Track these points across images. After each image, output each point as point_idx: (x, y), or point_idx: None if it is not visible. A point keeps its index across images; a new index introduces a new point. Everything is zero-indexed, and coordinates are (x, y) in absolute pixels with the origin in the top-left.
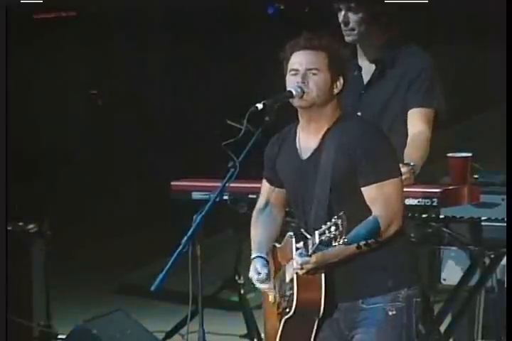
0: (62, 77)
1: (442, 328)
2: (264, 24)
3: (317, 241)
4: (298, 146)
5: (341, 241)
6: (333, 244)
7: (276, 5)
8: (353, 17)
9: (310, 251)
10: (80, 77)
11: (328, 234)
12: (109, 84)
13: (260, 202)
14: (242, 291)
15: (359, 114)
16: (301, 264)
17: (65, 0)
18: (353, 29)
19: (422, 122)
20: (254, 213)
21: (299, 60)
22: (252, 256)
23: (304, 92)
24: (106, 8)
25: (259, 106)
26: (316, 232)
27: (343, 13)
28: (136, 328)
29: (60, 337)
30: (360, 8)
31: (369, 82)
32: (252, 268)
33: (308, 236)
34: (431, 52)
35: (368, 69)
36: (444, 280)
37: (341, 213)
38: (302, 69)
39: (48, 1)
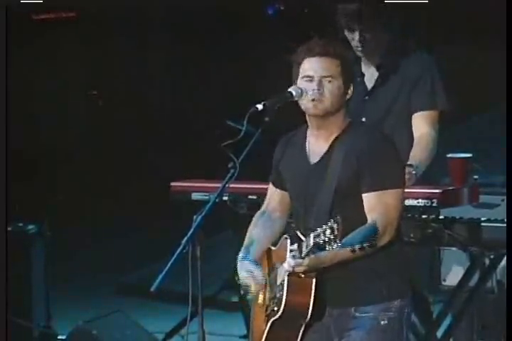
0: (62, 77)
1: (442, 328)
2: (264, 24)
3: (311, 243)
4: (307, 150)
5: (335, 245)
6: (327, 248)
7: (276, 5)
8: (368, 35)
9: (303, 254)
10: (79, 77)
11: (323, 237)
12: (109, 84)
13: (263, 205)
14: (242, 292)
15: (363, 119)
16: (293, 266)
17: (65, 0)
18: (364, 46)
19: (426, 124)
20: (255, 215)
21: (313, 67)
22: (239, 256)
23: (303, 93)
24: (106, 8)
25: (259, 106)
26: (311, 235)
27: (357, 34)
28: (135, 329)
29: (59, 337)
30: (372, 26)
31: (372, 88)
32: (241, 267)
33: (303, 239)
34: (432, 52)
35: (370, 75)
36: (444, 280)
37: (337, 217)
38: (317, 76)
39: (48, 1)
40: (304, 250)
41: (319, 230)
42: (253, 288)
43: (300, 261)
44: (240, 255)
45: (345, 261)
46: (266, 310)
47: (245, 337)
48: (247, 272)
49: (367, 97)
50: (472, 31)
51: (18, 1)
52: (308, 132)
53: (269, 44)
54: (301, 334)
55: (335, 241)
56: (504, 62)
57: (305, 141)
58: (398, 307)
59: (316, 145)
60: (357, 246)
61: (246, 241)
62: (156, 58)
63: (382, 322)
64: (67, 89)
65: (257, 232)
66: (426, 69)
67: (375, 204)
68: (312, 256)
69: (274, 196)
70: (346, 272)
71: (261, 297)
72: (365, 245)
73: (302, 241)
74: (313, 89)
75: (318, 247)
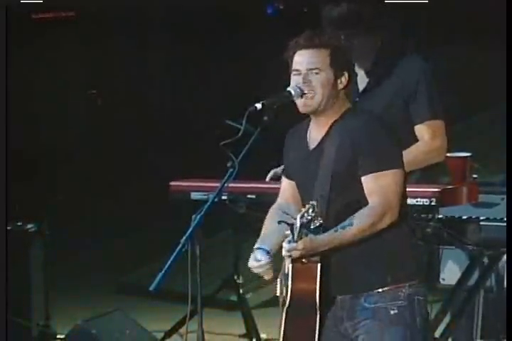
0: (62, 77)
1: (441, 328)
2: (264, 24)
3: (298, 224)
4: (308, 137)
5: (318, 222)
6: (312, 227)
7: (276, 4)
8: (354, 42)
9: (295, 237)
10: (79, 77)
11: (306, 216)
12: (109, 84)
13: (278, 197)
14: (241, 291)
15: None
16: (289, 250)
17: (64, 0)
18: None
19: (427, 134)
20: (271, 208)
21: (300, 60)
22: (255, 247)
23: (303, 93)
24: (106, 8)
25: (258, 106)
26: (298, 216)
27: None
28: (135, 328)
29: (59, 336)
30: (357, 33)
31: (364, 90)
32: (251, 257)
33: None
34: (428, 55)
35: (363, 77)
36: (443, 279)
37: (319, 195)
38: (303, 69)
39: (48, 1)
40: (295, 233)
41: (303, 210)
42: (265, 277)
43: (294, 245)
44: (255, 246)
45: (345, 244)
46: (282, 300)
47: (244, 336)
48: (256, 261)
49: (357, 99)
50: (472, 31)
51: (18, 1)
52: (311, 120)
53: (269, 44)
54: (318, 323)
55: (317, 219)
56: (504, 62)
57: (307, 129)
58: (407, 295)
59: (316, 131)
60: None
61: (262, 233)
62: (156, 58)
63: (391, 312)
64: (67, 89)
65: (270, 223)
66: (422, 78)
67: (373, 187)
68: (306, 238)
69: (285, 187)
70: (349, 257)
71: (278, 287)
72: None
73: (293, 225)
74: (300, 82)
75: (305, 227)
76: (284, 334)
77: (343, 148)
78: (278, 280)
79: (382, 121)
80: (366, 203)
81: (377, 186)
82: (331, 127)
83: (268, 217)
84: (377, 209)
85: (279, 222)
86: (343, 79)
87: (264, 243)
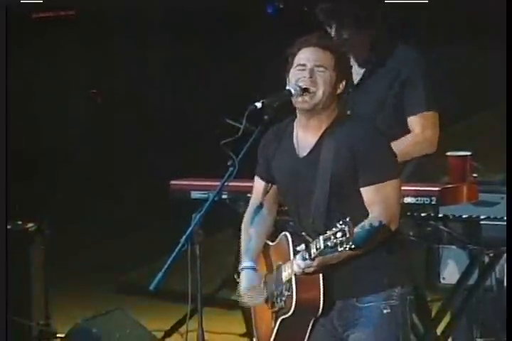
0: (62, 76)
1: (441, 327)
2: (263, 23)
3: (322, 246)
4: (295, 143)
5: (347, 246)
6: (339, 250)
7: (276, 4)
8: (345, 33)
9: (313, 255)
10: (79, 77)
11: (333, 240)
12: (109, 84)
13: (253, 202)
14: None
15: (348, 112)
16: (304, 268)
17: (64, 0)
18: (346, 40)
19: (418, 127)
20: (247, 214)
21: (307, 56)
22: (243, 265)
23: (304, 90)
24: (106, 8)
25: (258, 105)
26: (321, 237)
27: (334, 30)
28: (135, 327)
29: (59, 336)
30: (349, 24)
31: (359, 82)
32: (244, 281)
33: (309, 240)
34: (419, 49)
35: (356, 70)
36: (444, 279)
37: (347, 219)
38: (310, 65)
39: (48, 0)
40: (314, 252)
41: (329, 233)
42: (256, 301)
43: (310, 262)
44: (244, 264)
45: (351, 256)
46: (272, 307)
47: (245, 335)
48: (249, 284)
49: (350, 90)
50: (472, 31)
51: (18, 1)
52: (296, 124)
53: (269, 44)
54: (309, 328)
55: (347, 243)
56: (504, 62)
57: (292, 133)
58: (399, 294)
59: (305, 137)
60: (371, 246)
61: (244, 245)
62: (156, 58)
63: (385, 311)
64: (67, 89)
65: (252, 232)
66: (416, 70)
67: (375, 198)
68: (320, 257)
69: (262, 190)
70: (347, 263)
71: (265, 293)
72: (377, 243)
73: (309, 242)
74: (304, 77)
75: (329, 249)
76: (275, 337)
77: (340, 157)
78: (262, 286)
79: (380, 131)
80: (365, 212)
81: (378, 197)
82: (323, 134)
83: (247, 223)
84: (381, 220)
85: (287, 236)
86: (341, 86)
87: (250, 259)
